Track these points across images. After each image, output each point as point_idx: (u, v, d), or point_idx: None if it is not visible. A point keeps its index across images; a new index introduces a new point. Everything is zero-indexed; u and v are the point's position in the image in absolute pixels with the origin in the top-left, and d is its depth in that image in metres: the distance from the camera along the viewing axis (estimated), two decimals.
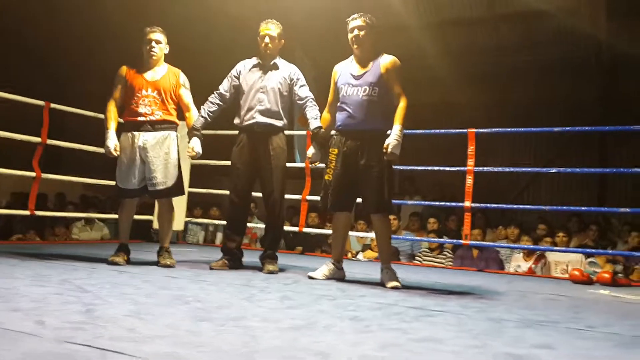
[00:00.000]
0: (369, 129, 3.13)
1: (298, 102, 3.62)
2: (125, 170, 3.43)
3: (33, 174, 4.37)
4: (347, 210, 3.33)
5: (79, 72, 10.41)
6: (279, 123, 3.60)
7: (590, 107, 7.85)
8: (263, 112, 3.55)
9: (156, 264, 3.51)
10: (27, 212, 4.42)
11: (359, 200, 3.40)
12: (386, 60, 3.17)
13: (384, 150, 2.99)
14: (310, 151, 3.42)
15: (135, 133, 3.43)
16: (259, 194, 3.73)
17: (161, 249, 3.60)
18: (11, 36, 8.85)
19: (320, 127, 3.40)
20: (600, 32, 7.17)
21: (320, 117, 3.46)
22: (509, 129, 5.21)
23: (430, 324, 2.01)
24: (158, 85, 3.47)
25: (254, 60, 3.65)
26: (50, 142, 4.52)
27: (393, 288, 3.02)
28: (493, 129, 4.91)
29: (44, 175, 4.45)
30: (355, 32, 3.20)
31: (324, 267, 3.33)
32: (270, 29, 3.57)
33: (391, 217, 5.70)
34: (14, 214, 5.54)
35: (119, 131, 3.48)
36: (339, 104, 3.28)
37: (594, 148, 8.01)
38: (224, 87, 3.65)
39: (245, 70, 3.63)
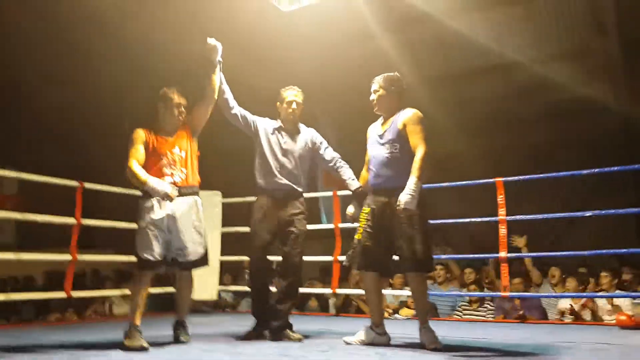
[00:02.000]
0: (395, 187, 3.09)
1: (328, 164, 3.67)
2: (150, 240, 3.15)
3: (69, 257, 4.44)
4: (376, 271, 3.24)
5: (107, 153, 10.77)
6: (300, 187, 3.60)
7: (616, 145, 7.75)
8: (286, 176, 3.55)
9: (174, 339, 3.34)
10: (64, 295, 4.46)
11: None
12: (405, 116, 3.20)
13: (397, 206, 2.97)
14: (351, 209, 3.45)
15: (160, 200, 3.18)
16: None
17: (179, 323, 3.42)
18: (41, 120, 9.25)
19: (360, 186, 3.48)
20: (615, 71, 7.17)
21: (359, 177, 3.54)
22: (539, 175, 5.13)
23: None
24: (182, 146, 3.33)
25: (275, 124, 3.66)
26: (85, 221, 4.62)
27: (433, 350, 2.95)
28: (521, 177, 4.86)
29: (80, 257, 4.51)
30: (372, 96, 3.32)
31: (362, 331, 3.25)
32: (297, 95, 3.64)
33: (439, 267, 5.65)
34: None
35: (136, 199, 3.28)
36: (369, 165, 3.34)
37: (627, 186, 7.84)
38: (248, 114, 3.64)
39: (265, 131, 3.62)
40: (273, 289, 3.83)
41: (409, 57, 6.83)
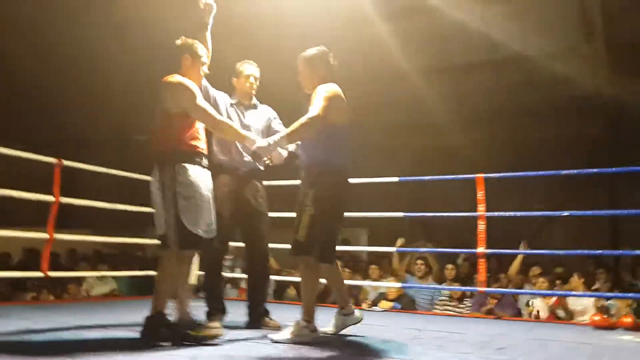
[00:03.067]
0: (302, 166, 3.03)
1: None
2: (207, 213, 2.77)
3: (46, 235, 4.35)
4: None
5: (90, 127, 10.60)
6: (262, 166, 3.45)
7: (598, 146, 7.86)
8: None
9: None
10: (40, 274, 4.38)
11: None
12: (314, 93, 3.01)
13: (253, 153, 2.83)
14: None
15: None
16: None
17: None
18: (22, 93, 9.05)
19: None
20: (601, 73, 7.25)
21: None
22: (518, 174, 5.18)
23: None
24: None
25: (231, 99, 3.48)
26: (63, 200, 4.53)
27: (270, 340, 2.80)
28: (501, 174, 4.89)
29: (58, 236, 4.43)
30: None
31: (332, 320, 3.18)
32: (256, 69, 3.50)
33: (419, 262, 5.70)
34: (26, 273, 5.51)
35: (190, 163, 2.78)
36: None
37: (604, 188, 7.97)
38: (209, 86, 3.37)
39: (225, 105, 3.41)
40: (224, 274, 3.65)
41: (405, 47, 6.80)
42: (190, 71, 2.87)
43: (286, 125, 3.27)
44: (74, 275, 6.29)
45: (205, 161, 2.83)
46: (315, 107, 2.83)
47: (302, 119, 2.79)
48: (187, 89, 2.76)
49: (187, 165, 2.71)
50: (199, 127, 2.83)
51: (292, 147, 3.16)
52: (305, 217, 2.84)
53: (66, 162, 4.60)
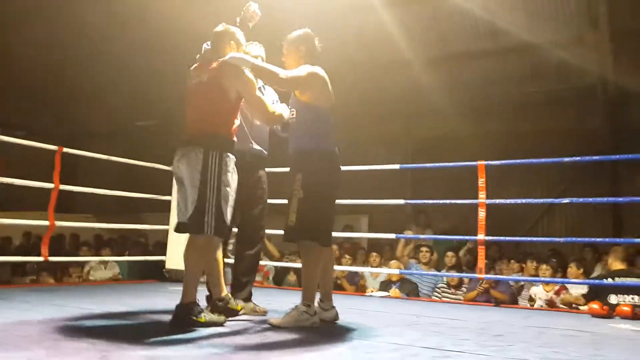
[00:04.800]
0: (292, 151, 3.02)
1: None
2: (231, 206, 2.76)
3: (47, 222, 4.39)
4: None
5: (91, 116, 10.63)
6: (265, 153, 3.39)
7: (600, 136, 7.84)
8: (257, 139, 3.32)
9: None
10: (40, 259, 4.42)
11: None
12: None
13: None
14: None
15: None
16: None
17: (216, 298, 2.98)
18: (25, 81, 9.07)
19: None
20: (605, 62, 7.21)
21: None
22: (520, 161, 5.17)
23: None
24: None
25: None
26: (63, 187, 4.56)
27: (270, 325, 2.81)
28: (503, 161, 4.89)
29: (58, 223, 4.46)
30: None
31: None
32: (263, 51, 3.35)
33: (424, 249, 5.72)
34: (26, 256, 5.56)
35: (232, 153, 2.79)
36: None
37: (606, 177, 7.96)
38: None
39: None
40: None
41: (405, 34, 6.77)
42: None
43: None
44: (74, 260, 6.33)
45: None
46: (289, 72, 2.88)
47: (274, 68, 2.84)
48: (249, 79, 2.78)
49: (231, 155, 2.74)
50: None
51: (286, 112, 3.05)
52: (294, 201, 2.84)
53: (66, 149, 4.63)
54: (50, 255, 4.47)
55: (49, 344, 2.09)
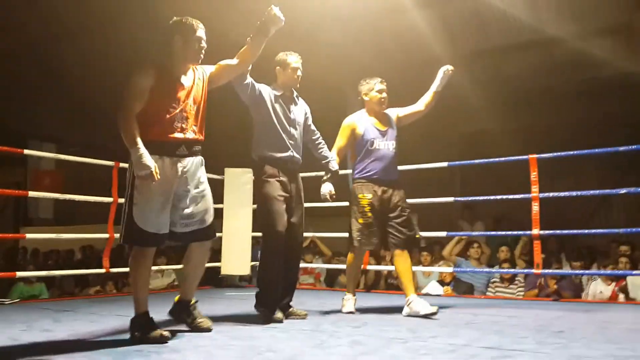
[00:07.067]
0: (397, 179, 3.70)
1: (312, 136, 3.53)
2: (157, 209, 2.56)
3: (106, 235, 4.60)
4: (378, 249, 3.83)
5: None
6: (301, 161, 3.43)
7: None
8: (295, 148, 3.35)
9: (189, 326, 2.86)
10: (102, 270, 4.64)
11: None
12: (393, 112, 3.75)
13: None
14: (330, 188, 3.52)
15: (168, 158, 2.60)
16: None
17: (189, 304, 2.88)
18: (81, 99, 9.39)
19: (338, 169, 3.56)
20: None
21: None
22: (572, 152, 5.03)
23: None
24: (195, 95, 2.71)
25: (276, 91, 3.33)
26: (121, 200, 4.74)
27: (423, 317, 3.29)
28: (554, 154, 4.76)
29: (117, 235, 4.65)
30: (384, 94, 3.68)
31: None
32: (301, 61, 3.38)
33: (475, 245, 5.77)
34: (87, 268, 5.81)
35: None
36: (365, 155, 3.59)
37: None
38: (253, 81, 3.24)
39: (270, 99, 3.29)
40: None
41: (442, 31, 6.69)
42: (182, 52, 2.66)
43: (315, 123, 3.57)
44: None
45: None
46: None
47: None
48: (131, 81, 2.60)
49: (144, 157, 2.51)
50: (174, 117, 2.64)
51: (336, 164, 3.56)
52: (414, 218, 3.64)
53: (123, 164, 4.78)
54: (111, 266, 4.67)
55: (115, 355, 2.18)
